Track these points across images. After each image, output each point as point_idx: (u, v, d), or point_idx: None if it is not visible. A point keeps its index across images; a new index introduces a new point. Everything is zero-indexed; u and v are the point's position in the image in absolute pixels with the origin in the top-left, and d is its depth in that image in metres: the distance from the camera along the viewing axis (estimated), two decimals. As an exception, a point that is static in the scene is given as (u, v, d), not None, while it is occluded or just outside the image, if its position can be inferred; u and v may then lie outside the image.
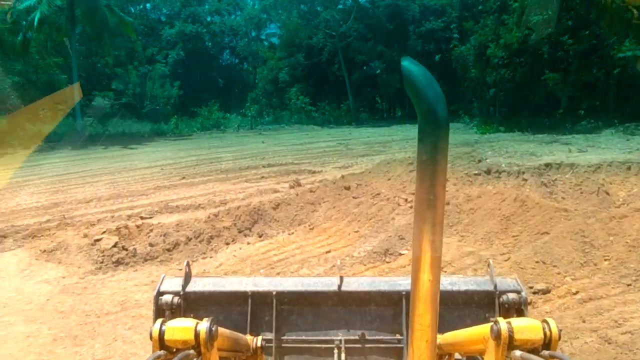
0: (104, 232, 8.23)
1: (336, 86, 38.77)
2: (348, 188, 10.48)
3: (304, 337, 2.47)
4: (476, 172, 10.91)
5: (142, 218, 9.23)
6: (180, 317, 1.87)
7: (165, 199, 10.86)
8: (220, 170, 14.49)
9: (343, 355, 2.35)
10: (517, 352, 1.34)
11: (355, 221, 8.83)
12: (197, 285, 2.47)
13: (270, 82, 40.31)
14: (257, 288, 2.47)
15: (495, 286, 2.34)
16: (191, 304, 2.41)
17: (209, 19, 45.78)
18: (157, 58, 38.72)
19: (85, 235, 8.19)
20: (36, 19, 23.02)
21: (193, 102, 36.86)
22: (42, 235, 8.41)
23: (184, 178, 13.26)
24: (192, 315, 2.29)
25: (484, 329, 1.53)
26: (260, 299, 2.46)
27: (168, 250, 7.65)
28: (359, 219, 8.87)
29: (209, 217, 8.71)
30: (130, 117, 33.49)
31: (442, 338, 1.86)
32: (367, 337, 2.44)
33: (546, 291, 5.68)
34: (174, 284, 2.44)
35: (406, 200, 9.72)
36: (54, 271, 6.95)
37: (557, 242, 6.70)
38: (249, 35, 46.80)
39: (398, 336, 2.43)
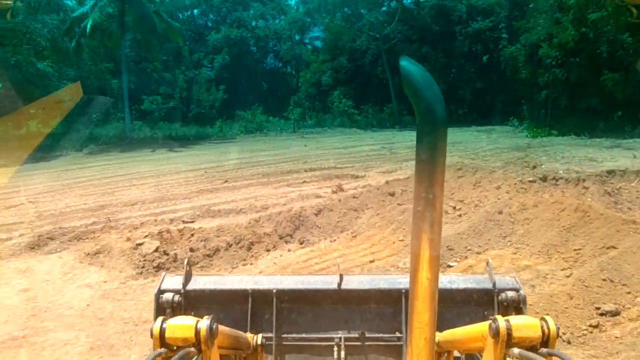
0: (146, 236, 8.22)
1: (379, 89, 38.25)
2: (392, 194, 10.08)
3: (304, 335, 2.47)
4: (531, 179, 10.25)
5: (183, 222, 9.19)
6: (180, 315, 1.87)
7: (207, 202, 10.81)
8: (262, 174, 14.40)
9: (343, 353, 2.36)
10: (516, 350, 1.34)
11: (400, 229, 8.43)
12: (198, 283, 2.49)
13: (313, 85, 40.28)
14: (257, 286, 2.48)
15: (494, 284, 2.34)
16: (192, 302, 2.43)
17: (253, 23, 46.31)
18: (204, 62, 39.52)
19: (128, 239, 8.20)
20: (89, 26, 23.91)
21: (237, 106, 37.30)
22: (87, 238, 8.50)
23: (226, 182, 13.25)
24: (192, 313, 2.32)
25: (482, 327, 1.52)
26: (261, 297, 2.46)
27: (208, 256, 7.53)
28: (404, 226, 8.47)
29: (249, 223, 8.55)
30: (176, 121, 34.27)
31: (441, 336, 1.87)
32: (367, 335, 2.44)
33: (615, 313, 5.12)
34: (174, 282, 2.46)
35: (454, 207, 9.23)
36: (96, 275, 6.95)
37: (626, 258, 6.07)
38: (292, 39, 47.02)
39: (397, 334, 2.43)
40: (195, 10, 46.31)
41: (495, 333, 1.37)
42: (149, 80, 37.39)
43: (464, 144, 20.58)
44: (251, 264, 7.35)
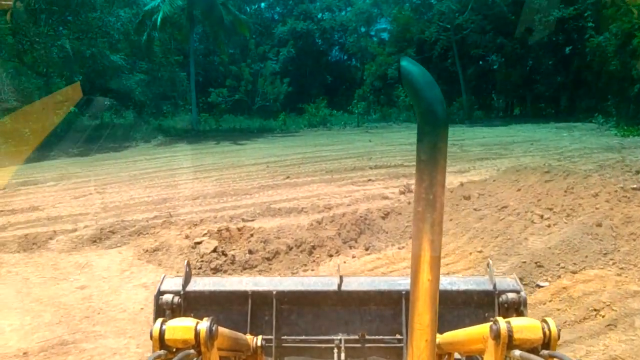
0: (205, 234, 7.88)
1: (449, 82, 36.55)
2: (468, 198, 9.15)
3: (303, 337, 2.45)
4: (634, 185, 8.91)
5: (243, 220, 8.80)
6: (180, 316, 1.92)
7: (268, 199, 10.39)
8: (325, 170, 13.83)
9: (343, 355, 2.33)
10: (517, 352, 1.33)
11: (477, 238, 7.55)
12: (197, 284, 2.48)
13: (378, 78, 39.24)
14: (257, 288, 2.47)
15: (495, 286, 2.33)
16: (191, 303, 2.42)
17: (319, 15, 45.89)
18: (269, 55, 39.63)
19: (187, 237, 7.90)
20: (159, 19, 24.42)
21: (301, 99, 37.11)
22: (147, 234, 8.30)
23: (288, 177, 12.80)
24: (192, 314, 2.29)
25: (483, 329, 1.51)
26: (261, 299, 2.45)
27: (267, 259, 7.04)
28: (481, 235, 7.57)
29: (311, 224, 7.97)
30: (241, 113, 34.60)
31: (441, 337, 1.84)
32: (367, 337, 2.42)
33: None
34: (174, 283, 2.44)
35: (542, 217, 8.14)
36: (153, 274, 6.66)
37: None
38: (358, 31, 46.11)
39: (398, 336, 2.41)
40: (263, 4, 46.64)
41: (496, 335, 1.36)
42: (216, 73, 38.05)
43: (543, 142, 18.91)
44: (312, 270, 6.78)
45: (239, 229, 8.09)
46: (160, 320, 1.49)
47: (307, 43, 42.44)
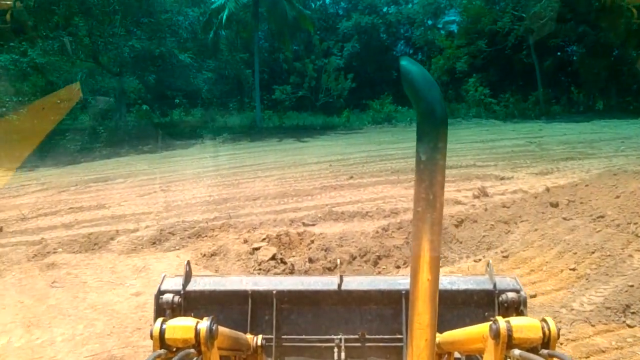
0: (263, 239, 7.47)
1: (523, 75, 34.27)
2: (555, 205, 8.09)
3: (304, 336, 2.45)
4: None
5: (304, 225, 8.31)
6: (180, 316, 1.93)
7: (331, 202, 9.84)
8: (391, 170, 13.07)
9: (343, 355, 2.34)
10: (516, 351, 1.33)
11: (568, 253, 6.57)
12: (198, 284, 2.48)
13: (445, 72, 37.56)
14: (257, 287, 2.48)
15: (495, 285, 2.33)
16: (192, 303, 2.42)
17: (385, 9, 44.70)
18: (333, 51, 39.08)
19: (246, 241, 7.53)
20: (224, 17, 24.59)
21: (365, 95, 36.27)
22: (205, 236, 8.03)
23: (351, 178, 12.18)
24: (192, 314, 2.31)
25: (483, 328, 1.52)
26: (261, 298, 2.46)
27: (329, 269, 6.49)
28: (574, 250, 6.58)
29: (377, 232, 7.33)
30: (305, 110, 34.38)
31: (441, 337, 1.85)
32: (367, 336, 2.42)
33: None
34: (174, 283, 2.44)
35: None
36: (209, 282, 6.32)
37: None
38: (425, 23, 44.45)
39: (398, 335, 2.41)
40: (328, -1, 46.14)
41: (495, 334, 1.36)
42: (280, 70, 38.09)
43: (636, 140, 16.95)
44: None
45: (299, 234, 7.62)
46: (160, 319, 1.48)
47: (371, 38, 41.47)
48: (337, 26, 41.68)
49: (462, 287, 2.40)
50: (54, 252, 7.66)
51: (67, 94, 30.64)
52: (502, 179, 11.11)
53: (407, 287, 2.12)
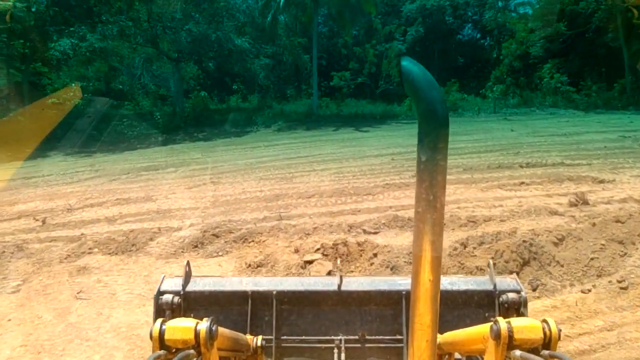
0: (317, 249, 6.38)
1: (607, 61, 30.93)
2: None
3: (304, 337, 2.45)
4: None
5: (365, 232, 7.14)
6: (180, 316, 1.92)
7: (395, 203, 8.58)
8: (462, 167, 11.57)
9: (343, 355, 2.33)
10: (517, 352, 1.33)
11: None
12: (197, 285, 2.47)
13: (518, 58, 34.72)
14: (257, 288, 2.47)
15: (495, 286, 2.32)
16: (191, 303, 2.41)
17: (452, -10, 42.07)
18: (395, 36, 37.20)
19: (297, 251, 6.48)
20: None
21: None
22: (252, 241, 7.05)
23: (417, 175, 10.82)
24: (192, 315, 2.30)
25: (483, 329, 1.52)
26: (261, 299, 2.45)
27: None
28: None
29: (454, 248, 6.04)
30: (364, 98, 32.99)
31: (442, 338, 1.84)
32: (367, 337, 2.42)
33: None
34: (174, 283, 2.44)
35: None
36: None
37: None
38: (495, 5, 41.39)
39: (398, 336, 2.40)
40: (391, -20, 44.01)
41: (496, 335, 1.36)
42: (339, 56, 36.78)
43: None
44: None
45: (359, 245, 6.46)
46: (160, 320, 1.48)
47: (436, 21, 39.13)
48: (401, 9, 39.62)
49: (463, 287, 2.38)
50: (89, 253, 6.97)
51: (128, 80, 31.04)
52: (602, 182, 9.34)
53: (407, 287, 2.24)
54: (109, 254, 6.94)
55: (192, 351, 1.43)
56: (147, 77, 31.54)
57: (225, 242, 7.17)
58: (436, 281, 1.20)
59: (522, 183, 9.44)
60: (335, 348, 2.38)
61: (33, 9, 19.63)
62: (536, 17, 35.07)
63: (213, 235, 7.42)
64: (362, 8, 26.81)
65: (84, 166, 16.18)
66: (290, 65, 34.73)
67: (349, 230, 7.24)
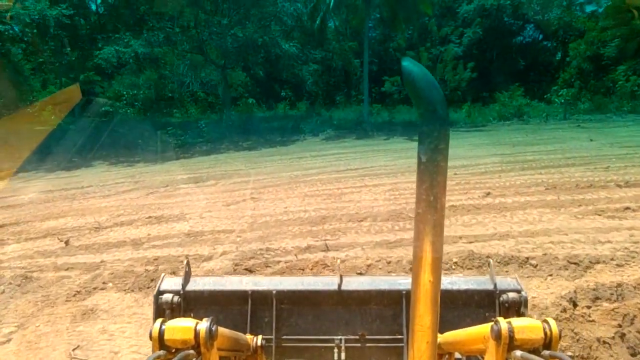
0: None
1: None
2: None
3: (304, 337, 2.43)
4: None
5: (432, 273, 5.67)
6: (180, 316, 2.04)
7: (466, 232, 7.04)
8: (543, 184, 9.81)
9: (343, 355, 2.33)
10: (518, 353, 1.32)
11: None
12: (197, 284, 2.46)
13: (587, 60, 31.94)
14: (257, 287, 2.46)
15: (495, 285, 2.31)
16: (191, 303, 2.40)
17: (513, -11, 39.52)
18: (451, 38, 35.23)
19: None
20: (332, 0, 22.29)
21: (486, 87, 32.09)
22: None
23: (488, 194, 9.18)
24: (192, 314, 2.35)
25: (484, 329, 1.52)
26: (260, 299, 2.44)
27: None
28: None
29: (562, 308, 4.47)
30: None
31: (442, 337, 1.84)
32: (367, 337, 2.41)
33: None
34: (174, 283, 2.43)
35: None
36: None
37: None
38: (560, 4, 38.51)
39: (398, 336, 2.39)
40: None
41: (497, 335, 1.35)
42: (391, 61, 35.24)
43: None
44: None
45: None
46: (159, 320, 1.47)
47: (496, 22, 36.82)
48: (457, 10, 37.56)
49: (463, 287, 2.36)
50: (102, 289, 5.93)
51: (177, 88, 30.88)
52: None
53: (408, 287, 2.31)
54: (124, 290, 5.86)
55: (191, 351, 1.40)
56: (196, 84, 31.33)
57: (260, 279, 5.92)
58: (436, 282, 1.20)
59: (627, 208, 7.62)
60: (335, 348, 2.36)
61: (82, 17, 19.50)
62: (608, 15, 32.10)
63: (246, 269, 6.22)
64: (417, 8, 25.17)
65: (125, 177, 15.58)
66: (340, 70, 33.53)
67: (410, 269, 5.81)
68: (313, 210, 9.14)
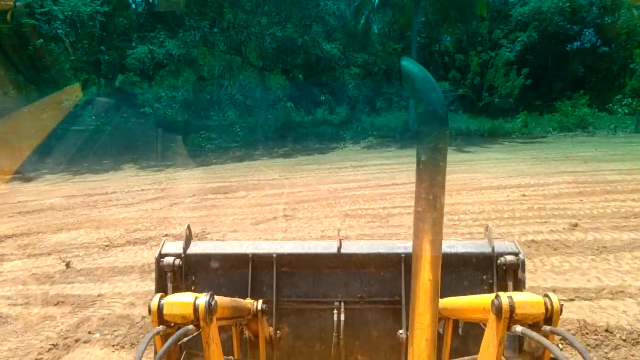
0: None
1: None
2: None
3: (304, 299, 2.46)
4: None
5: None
6: (181, 279, 2.25)
7: (562, 284, 5.34)
8: (632, 215, 7.94)
9: (343, 316, 2.37)
10: (519, 328, 1.32)
11: None
12: (198, 248, 2.49)
13: (657, 67, 29.02)
14: (257, 251, 2.48)
15: (494, 249, 2.33)
16: (192, 266, 2.43)
17: (572, -10, 36.81)
18: (503, 42, 32.95)
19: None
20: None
21: (542, 95, 29.67)
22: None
23: (576, 226, 7.36)
24: (193, 278, 2.41)
25: (484, 300, 1.51)
26: (261, 262, 2.46)
27: None
28: None
29: None
30: (465, 112, 29.29)
31: (441, 303, 1.79)
32: (366, 299, 2.44)
33: None
34: (175, 247, 2.47)
35: None
36: None
37: None
38: (626, 6, 35.49)
39: (397, 297, 2.40)
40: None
41: (498, 310, 1.34)
42: (437, 65, 33.33)
43: None
44: None
45: None
46: (158, 295, 1.46)
47: (553, 25, 34.25)
48: (510, 13, 35.21)
49: (461, 250, 2.38)
50: (86, 342, 4.64)
51: (216, 90, 30.09)
52: None
53: (406, 250, 2.38)
54: (113, 345, 4.54)
55: (190, 327, 1.38)
56: (234, 87, 30.43)
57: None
58: (436, 281, 1.22)
59: None
60: (335, 309, 2.39)
61: (120, 16, 18.81)
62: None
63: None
64: (473, 10, 23.20)
65: (152, 184, 14.56)
66: (383, 74, 31.89)
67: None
68: (356, 237, 7.63)
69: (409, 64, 1.10)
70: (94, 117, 26.73)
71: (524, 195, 9.77)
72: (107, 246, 8.08)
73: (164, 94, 30.22)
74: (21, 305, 5.68)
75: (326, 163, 16.77)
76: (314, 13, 21.70)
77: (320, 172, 14.80)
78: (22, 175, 17.01)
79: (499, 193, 10.22)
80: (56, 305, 5.65)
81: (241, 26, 21.07)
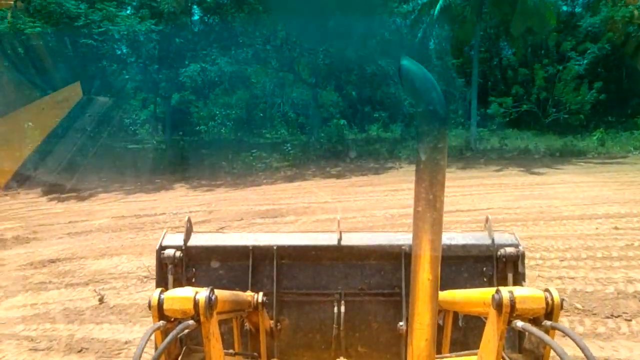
0: None
1: None
2: None
3: (304, 291, 2.47)
4: None
5: None
6: (182, 271, 2.25)
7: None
8: None
9: (343, 308, 2.38)
10: (519, 323, 1.31)
11: None
12: (199, 240, 2.50)
13: None
14: (258, 243, 2.48)
15: (493, 240, 2.33)
16: (193, 258, 2.43)
17: (648, -3, 34.08)
18: (571, 55, 30.82)
19: None
20: (437, 10, 19.57)
21: (617, 111, 27.31)
22: None
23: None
24: (194, 270, 2.42)
25: (484, 294, 1.51)
26: (261, 254, 2.46)
27: None
28: None
29: None
30: (530, 129, 27.43)
31: (441, 295, 1.74)
32: (366, 291, 2.44)
33: None
34: (176, 239, 2.46)
35: None
36: None
37: None
38: None
39: (397, 289, 2.41)
40: (565, -7, 37.36)
41: (498, 305, 1.32)
42: (496, 79, 31.64)
43: None
44: None
45: None
46: (158, 290, 1.45)
47: (626, 35, 31.76)
48: (579, 24, 33.00)
49: (461, 242, 2.38)
50: (100, 408, 3.95)
51: (268, 108, 29.96)
52: None
53: (406, 242, 2.35)
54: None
55: (191, 322, 1.36)
56: (286, 104, 30.23)
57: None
58: (435, 280, 1.22)
59: None
60: (335, 301, 2.39)
61: (175, 35, 18.92)
62: None
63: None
64: (541, 19, 21.62)
65: (201, 204, 14.16)
66: (441, 92, 30.62)
67: None
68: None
69: (408, 64, 1.10)
70: (151, 135, 27.26)
71: (615, 228, 8.36)
72: (145, 277, 7.55)
73: (217, 112, 30.42)
74: (42, 350, 5.13)
75: (381, 184, 15.77)
76: (369, 27, 21.01)
77: (374, 194, 13.84)
78: (78, 193, 17.18)
79: (584, 224, 8.83)
80: (79, 352, 5.07)
81: (293, 42, 20.70)
